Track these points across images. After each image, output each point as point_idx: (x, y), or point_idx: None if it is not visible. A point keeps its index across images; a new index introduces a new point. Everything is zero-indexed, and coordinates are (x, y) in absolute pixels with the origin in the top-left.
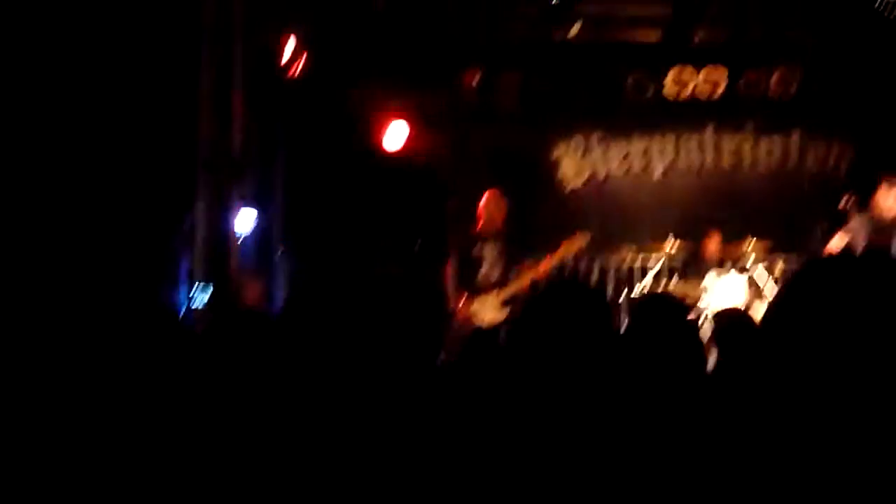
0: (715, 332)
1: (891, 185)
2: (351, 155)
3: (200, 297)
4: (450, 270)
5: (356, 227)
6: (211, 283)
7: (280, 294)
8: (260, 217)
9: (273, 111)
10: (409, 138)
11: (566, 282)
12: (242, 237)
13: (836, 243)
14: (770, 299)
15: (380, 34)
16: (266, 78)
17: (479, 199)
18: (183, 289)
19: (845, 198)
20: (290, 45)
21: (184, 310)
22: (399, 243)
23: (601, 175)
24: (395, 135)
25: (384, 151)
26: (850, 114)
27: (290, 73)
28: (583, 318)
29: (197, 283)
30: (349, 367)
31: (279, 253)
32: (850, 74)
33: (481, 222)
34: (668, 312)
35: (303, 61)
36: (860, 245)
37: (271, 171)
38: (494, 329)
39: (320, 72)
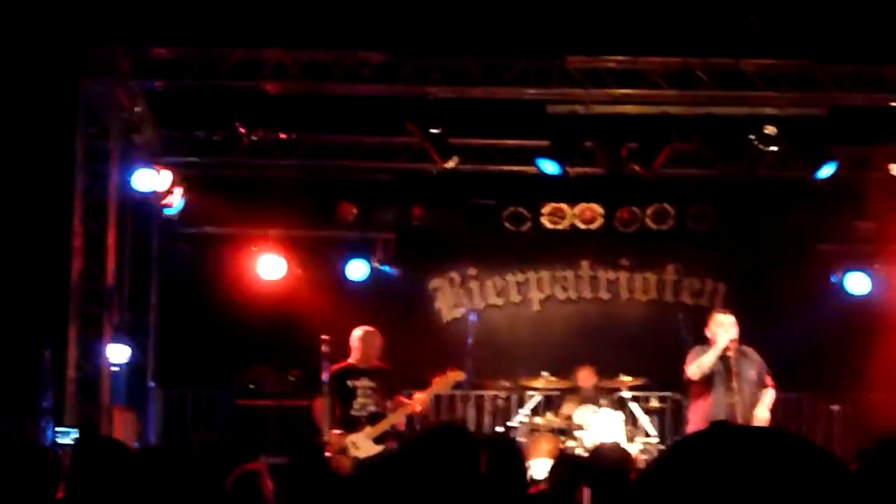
0: (590, 466)
1: (716, 315)
2: (225, 288)
3: (69, 431)
4: (322, 403)
5: (231, 359)
6: (80, 417)
7: (152, 427)
8: (133, 349)
9: (147, 244)
10: (286, 271)
11: (443, 428)
12: (115, 369)
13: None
14: (644, 436)
15: (255, 170)
16: (140, 211)
17: (357, 334)
18: (48, 422)
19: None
20: (166, 178)
21: (49, 443)
22: (273, 376)
23: (478, 308)
24: (270, 267)
25: (260, 284)
26: (723, 251)
27: (165, 206)
28: (458, 465)
29: (66, 415)
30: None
31: (151, 385)
32: (725, 212)
33: (356, 356)
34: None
35: (178, 195)
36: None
37: (145, 303)
38: (373, 464)
39: (194, 207)
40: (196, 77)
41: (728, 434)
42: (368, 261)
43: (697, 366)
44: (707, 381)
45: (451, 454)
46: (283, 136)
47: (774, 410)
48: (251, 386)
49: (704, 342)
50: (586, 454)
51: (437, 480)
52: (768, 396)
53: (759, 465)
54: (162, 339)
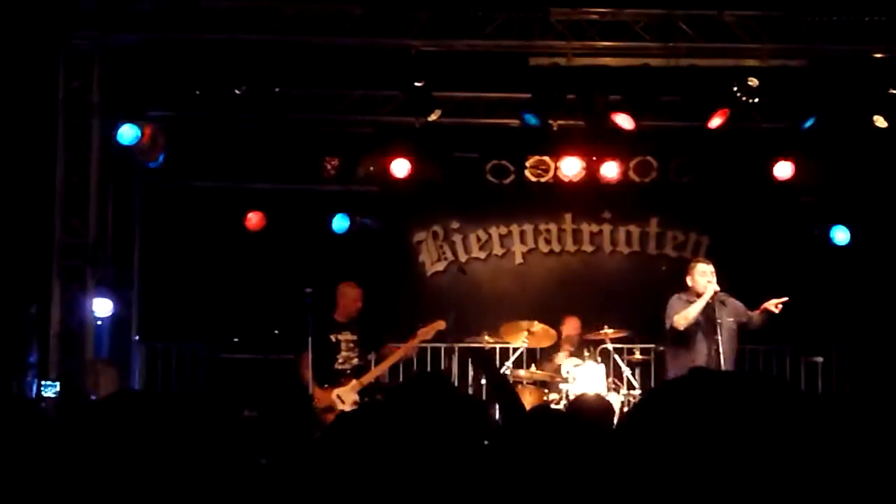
0: (571, 417)
1: (699, 264)
2: (209, 242)
3: (53, 385)
4: (307, 358)
5: (215, 314)
6: (63, 371)
7: (136, 381)
8: (116, 304)
9: (130, 198)
10: (272, 226)
11: (427, 376)
12: (98, 323)
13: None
14: (627, 388)
15: (238, 124)
16: (123, 165)
17: (337, 288)
18: (33, 376)
19: None
20: (148, 133)
21: (34, 397)
22: (258, 331)
23: (461, 261)
24: (256, 222)
25: (245, 238)
26: (706, 203)
27: (148, 161)
28: (443, 415)
29: (50, 370)
30: (204, 451)
31: (135, 339)
32: (707, 166)
33: (337, 310)
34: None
35: (161, 150)
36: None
37: (129, 257)
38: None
39: (178, 161)
40: (178, 30)
41: (706, 379)
42: (351, 214)
43: (684, 317)
44: (688, 331)
45: (431, 403)
46: (266, 88)
47: (757, 363)
48: (234, 340)
49: (683, 290)
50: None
51: (416, 429)
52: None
53: (737, 407)
54: (145, 293)
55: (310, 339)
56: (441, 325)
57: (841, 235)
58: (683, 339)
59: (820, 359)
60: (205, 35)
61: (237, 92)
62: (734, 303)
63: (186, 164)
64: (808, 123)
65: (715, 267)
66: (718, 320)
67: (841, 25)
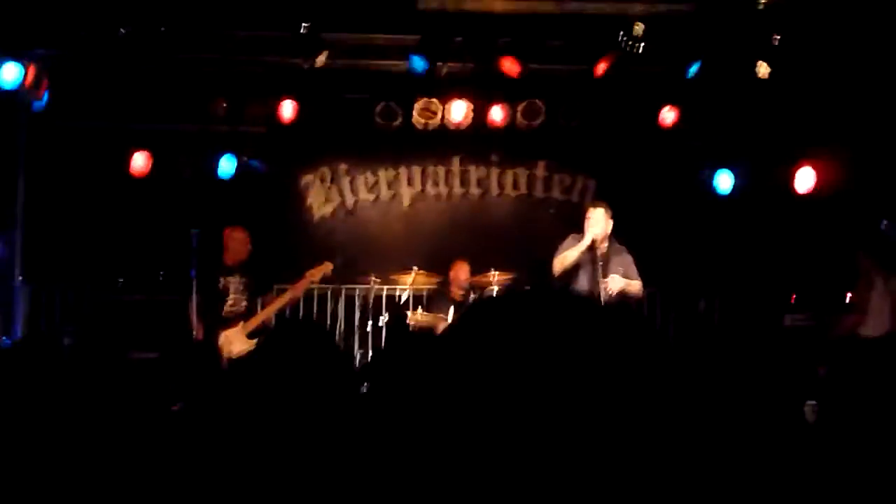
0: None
1: (588, 209)
2: (94, 183)
3: None
4: (194, 302)
5: (100, 256)
6: None
7: (19, 324)
8: None
9: (14, 138)
10: (158, 167)
11: (293, 321)
12: None
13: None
14: None
15: (125, 63)
16: (6, 104)
17: (224, 231)
18: None
19: None
20: (32, 72)
21: None
22: (143, 273)
23: (349, 204)
24: (142, 163)
25: (131, 179)
26: (593, 148)
27: (31, 100)
28: (310, 356)
29: None
30: (95, 396)
31: (18, 280)
32: (594, 111)
33: (225, 255)
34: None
35: (44, 89)
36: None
37: (12, 198)
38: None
39: (63, 100)
40: None
41: (531, 295)
42: (238, 156)
43: (560, 260)
44: (572, 274)
45: (303, 348)
46: (151, 29)
47: (644, 305)
48: (120, 281)
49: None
50: None
51: (289, 374)
52: (634, 286)
53: (553, 324)
54: (29, 235)
55: (194, 281)
56: (328, 267)
57: (724, 183)
58: (567, 280)
59: (703, 303)
60: None
61: (123, 32)
62: (629, 258)
63: (72, 104)
64: (693, 69)
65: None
66: (601, 262)
67: None
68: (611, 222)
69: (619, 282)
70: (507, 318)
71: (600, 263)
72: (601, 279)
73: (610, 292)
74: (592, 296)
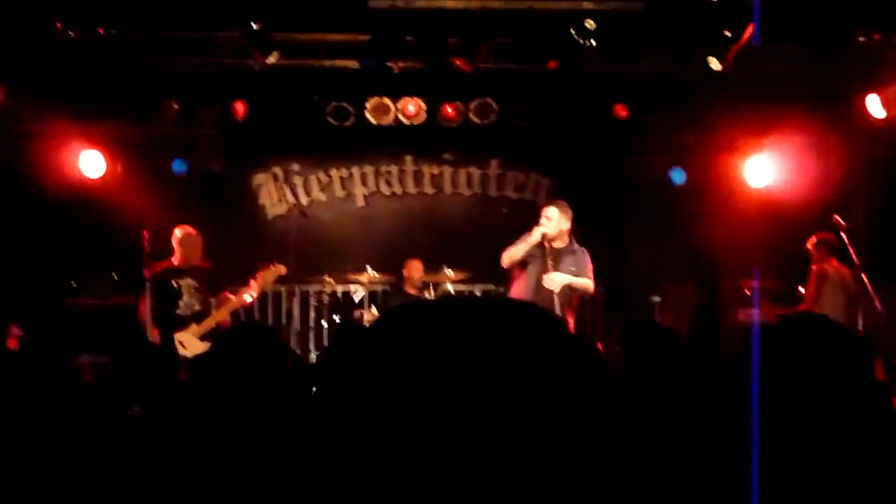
0: None
1: (549, 206)
2: (46, 185)
3: None
4: (146, 303)
5: (52, 259)
6: None
7: None
8: None
9: None
10: (107, 169)
11: (245, 325)
12: None
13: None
14: None
15: (75, 64)
16: None
17: (175, 233)
18: None
19: None
20: None
21: None
22: (95, 275)
23: (303, 203)
24: (91, 164)
25: (81, 182)
26: (546, 146)
27: None
28: (259, 359)
29: None
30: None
31: None
32: (547, 109)
33: (177, 257)
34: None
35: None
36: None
37: None
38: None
39: (10, 104)
40: None
41: (442, 304)
42: (190, 158)
43: (508, 254)
44: (523, 270)
45: (251, 351)
46: (101, 31)
47: (598, 301)
48: (73, 284)
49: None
50: None
51: (239, 377)
52: (581, 283)
53: (463, 329)
54: None
55: (147, 283)
56: (282, 270)
57: (677, 175)
58: (518, 276)
59: (657, 298)
60: None
61: (71, 35)
62: (585, 259)
63: (23, 107)
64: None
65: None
66: (551, 260)
67: None
68: (567, 222)
69: (563, 278)
70: (418, 321)
71: (550, 261)
72: (549, 276)
73: (552, 287)
74: (540, 292)
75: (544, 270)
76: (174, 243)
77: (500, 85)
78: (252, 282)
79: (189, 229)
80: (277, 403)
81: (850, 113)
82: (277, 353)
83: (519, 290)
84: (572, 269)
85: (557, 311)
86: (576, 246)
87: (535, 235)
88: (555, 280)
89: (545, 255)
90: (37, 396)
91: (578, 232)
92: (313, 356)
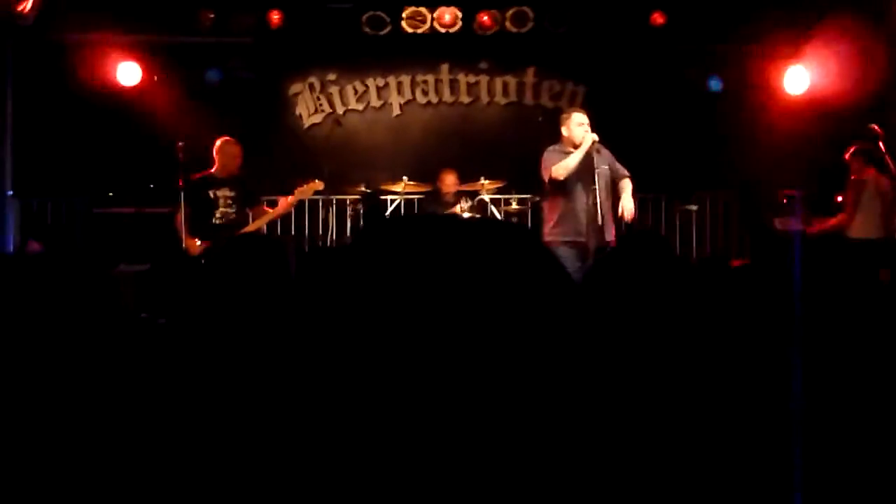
0: None
1: (574, 114)
2: (83, 96)
3: None
4: (182, 214)
5: (90, 169)
6: None
7: (10, 236)
8: None
9: (2, 51)
10: (144, 79)
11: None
12: None
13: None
14: None
15: None
16: None
17: (213, 142)
18: None
19: None
20: None
21: None
22: (132, 185)
23: (339, 112)
24: (128, 74)
25: (119, 92)
26: (582, 54)
27: (18, 15)
28: (263, 267)
29: None
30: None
31: (9, 194)
32: (583, 16)
33: (216, 166)
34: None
35: (30, 4)
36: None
37: (1, 113)
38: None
39: (49, 14)
40: None
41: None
42: (226, 67)
43: (564, 167)
44: (567, 181)
45: (258, 259)
46: None
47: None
48: (110, 194)
49: (557, 142)
50: None
51: (245, 283)
52: (629, 186)
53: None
54: (19, 148)
55: (182, 193)
56: (319, 185)
57: (714, 83)
58: (562, 188)
59: (694, 207)
60: None
61: None
62: (607, 153)
63: (60, 16)
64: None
65: (590, 117)
66: (596, 169)
67: None
68: None
69: (630, 202)
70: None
71: (595, 170)
72: (594, 182)
73: (629, 218)
74: (590, 199)
75: (588, 174)
76: (215, 153)
77: None
78: (289, 196)
79: (227, 138)
80: (278, 313)
81: (891, 19)
82: (278, 263)
83: (562, 197)
84: (605, 168)
85: (602, 212)
86: (599, 145)
87: (587, 142)
88: (627, 208)
89: (587, 161)
90: (68, 306)
91: (615, 140)
92: None
